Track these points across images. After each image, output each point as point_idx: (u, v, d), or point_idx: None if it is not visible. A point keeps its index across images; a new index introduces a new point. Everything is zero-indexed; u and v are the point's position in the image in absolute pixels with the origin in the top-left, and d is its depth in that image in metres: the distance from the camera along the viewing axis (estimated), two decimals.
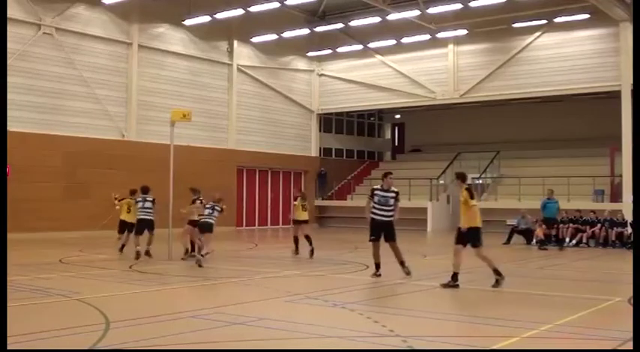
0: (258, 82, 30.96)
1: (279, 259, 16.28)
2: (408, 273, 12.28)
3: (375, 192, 12.25)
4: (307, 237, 16.59)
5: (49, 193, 22.94)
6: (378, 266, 12.34)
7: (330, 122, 35.27)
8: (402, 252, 12.38)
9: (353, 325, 7.85)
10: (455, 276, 11.21)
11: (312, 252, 16.14)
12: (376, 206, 12.16)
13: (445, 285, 11.13)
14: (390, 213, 12.21)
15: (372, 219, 12.23)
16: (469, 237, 11.36)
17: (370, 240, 12.26)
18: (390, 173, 12.60)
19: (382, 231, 12.15)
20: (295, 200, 17.43)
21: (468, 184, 11.62)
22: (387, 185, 12.26)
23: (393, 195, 12.25)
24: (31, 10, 23.07)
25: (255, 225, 30.80)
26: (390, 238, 12.20)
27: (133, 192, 16.25)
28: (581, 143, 29.73)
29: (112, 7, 25.17)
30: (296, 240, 16.79)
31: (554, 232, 20.66)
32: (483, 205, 28.76)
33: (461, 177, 11.82)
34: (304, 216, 16.98)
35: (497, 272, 11.20)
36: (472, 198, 11.23)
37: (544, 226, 20.60)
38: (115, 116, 25.43)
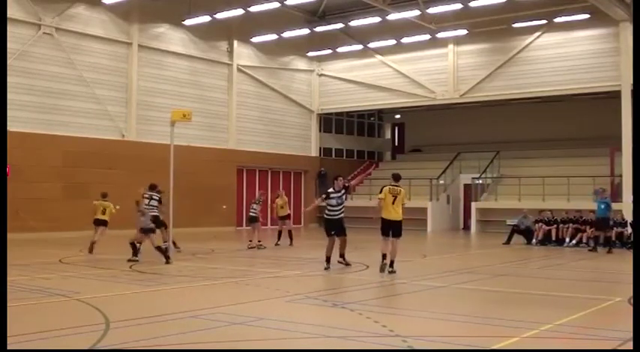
0: (258, 82, 30.96)
1: (279, 259, 16.29)
2: (345, 264, 13.78)
3: (331, 195, 13.63)
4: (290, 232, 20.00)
5: (48, 193, 22.94)
6: (329, 259, 13.63)
7: (330, 122, 35.27)
8: (346, 246, 13.96)
9: (353, 325, 7.85)
10: (384, 256, 12.91)
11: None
12: (333, 208, 13.64)
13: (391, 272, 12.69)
14: (342, 209, 13.73)
15: (329, 219, 13.75)
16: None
17: (329, 235, 13.68)
18: (340, 176, 14.17)
19: (336, 228, 13.66)
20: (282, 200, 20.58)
21: (392, 184, 12.99)
22: (338, 187, 13.71)
23: (344, 191, 13.83)
24: (31, 10, 23.07)
25: None
26: (343, 233, 13.77)
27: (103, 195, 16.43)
28: (581, 143, 29.72)
29: (112, 7, 25.18)
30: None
31: (609, 233, 19.42)
32: (483, 205, 29.05)
33: (392, 177, 13.31)
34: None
35: (391, 263, 12.72)
36: (380, 192, 13.03)
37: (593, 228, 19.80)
38: (115, 116, 25.43)
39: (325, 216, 13.87)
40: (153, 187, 16.58)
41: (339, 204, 13.60)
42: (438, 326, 8.00)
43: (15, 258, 14.17)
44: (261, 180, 31.59)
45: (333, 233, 13.64)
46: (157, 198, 16.40)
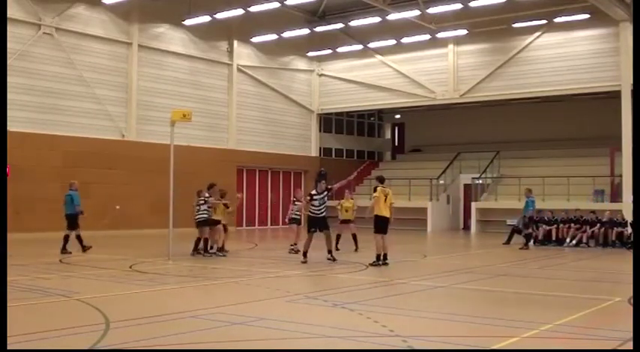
0: (258, 82, 30.95)
1: (279, 259, 16.28)
2: (332, 260, 14.83)
3: (314, 197, 14.88)
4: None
5: (49, 193, 22.91)
6: (306, 254, 14.90)
7: (330, 122, 35.27)
8: (332, 241, 15.29)
9: (353, 325, 7.85)
10: (378, 257, 14.17)
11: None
12: (316, 208, 14.86)
13: (372, 264, 14.03)
14: (324, 209, 14.97)
15: (312, 217, 14.97)
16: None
17: (310, 232, 14.92)
18: (324, 180, 15.39)
19: (319, 224, 14.88)
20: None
21: (382, 186, 14.48)
22: (320, 189, 14.99)
23: (326, 193, 15.03)
24: (31, 10, 23.06)
25: (255, 225, 30.82)
26: (326, 228, 15.00)
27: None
28: (581, 143, 29.72)
29: (112, 7, 25.16)
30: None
31: (527, 231, 20.40)
32: (483, 205, 29.05)
33: (379, 180, 14.92)
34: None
35: (384, 256, 14.13)
36: (374, 192, 14.37)
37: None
38: (115, 116, 25.42)
39: (309, 214, 15.10)
40: (210, 187, 16.70)
41: (320, 205, 14.90)
42: (438, 326, 8.01)
43: (15, 258, 14.18)
44: (261, 180, 31.60)
45: (313, 230, 14.94)
46: (202, 200, 16.44)
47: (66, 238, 16.57)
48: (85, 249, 16.57)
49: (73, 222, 16.78)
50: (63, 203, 17.10)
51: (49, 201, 22.79)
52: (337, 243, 17.61)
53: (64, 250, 16.40)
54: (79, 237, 16.71)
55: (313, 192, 15.01)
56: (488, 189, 30.32)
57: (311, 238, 15.00)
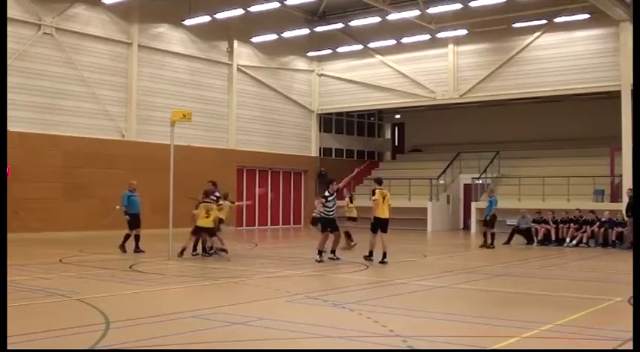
0: (258, 82, 30.96)
1: (279, 259, 16.30)
2: (335, 259, 15.19)
3: (329, 198, 15.29)
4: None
5: (48, 193, 22.94)
6: (321, 253, 15.16)
7: (330, 122, 35.27)
8: (339, 242, 15.69)
9: (353, 325, 7.85)
10: (371, 253, 14.92)
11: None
12: (330, 208, 15.34)
13: (365, 257, 14.82)
14: (335, 209, 15.45)
15: (327, 218, 15.37)
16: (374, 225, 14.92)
17: (323, 231, 15.37)
18: (334, 180, 15.91)
19: (330, 225, 15.38)
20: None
21: (380, 188, 15.11)
22: (332, 190, 15.38)
23: (336, 194, 15.50)
24: (31, 10, 23.06)
25: (255, 225, 30.82)
26: (336, 229, 15.62)
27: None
28: (581, 143, 29.71)
29: (112, 7, 25.16)
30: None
31: (491, 230, 20.20)
32: (483, 205, 28.91)
33: (377, 181, 15.75)
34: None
35: (384, 255, 14.52)
36: (373, 194, 14.91)
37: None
38: (115, 116, 25.42)
39: (324, 215, 15.45)
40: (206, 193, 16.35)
41: (333, 206, 15.37)
42: (438, 326, 8.00)
43: (15, 258, 14.18)
44: (261, 180, 31.60)
45: (329, 230, 15.32)
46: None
47: (136, 238, 16.81)
48: (122, 248, 16.64)
49: (133, 221, 16.90)
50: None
51: (49, 201, 22.86)
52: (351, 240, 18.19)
53: (137, 249, 16.63)
54: (126, 237, 16.82)
55: (326, 193, 15.29)
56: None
57: (326, 237, 15.41)
